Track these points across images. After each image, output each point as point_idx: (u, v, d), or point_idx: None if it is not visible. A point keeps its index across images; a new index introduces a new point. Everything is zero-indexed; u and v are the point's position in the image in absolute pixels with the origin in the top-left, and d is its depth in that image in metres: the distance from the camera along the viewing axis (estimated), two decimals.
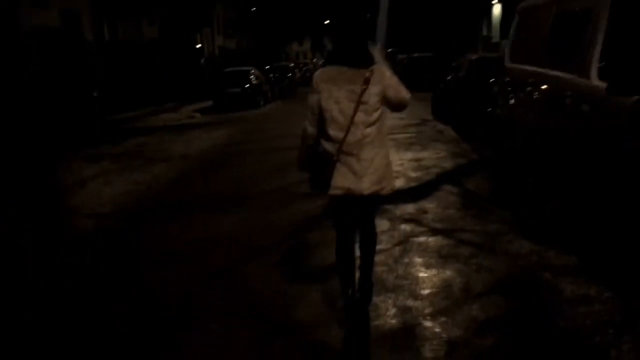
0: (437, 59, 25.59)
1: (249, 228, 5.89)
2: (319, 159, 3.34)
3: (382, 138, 3.38)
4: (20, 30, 18.01)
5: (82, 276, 4.86)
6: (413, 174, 7.80)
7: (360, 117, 3.22)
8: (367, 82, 3.20)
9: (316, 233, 5.40)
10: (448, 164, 8.42)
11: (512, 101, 6.45)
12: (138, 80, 23.92)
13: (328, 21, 69.50)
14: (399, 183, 7.28)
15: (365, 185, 3.30)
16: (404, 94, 3.38)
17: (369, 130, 3.26)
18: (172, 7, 31.46)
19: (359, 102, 3.20)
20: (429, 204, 6.18)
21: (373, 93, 3.23)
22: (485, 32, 31.85)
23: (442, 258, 4.59)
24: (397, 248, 4.86)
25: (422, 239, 5.08)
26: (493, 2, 29.00)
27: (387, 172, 3.42)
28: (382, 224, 5.45)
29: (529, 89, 5.78)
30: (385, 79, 3.28)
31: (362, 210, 3.49)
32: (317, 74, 3.40)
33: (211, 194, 7.61)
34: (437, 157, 9.01)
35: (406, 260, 4.60)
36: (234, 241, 5.51)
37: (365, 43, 3.33)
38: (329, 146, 3.30)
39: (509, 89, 6.61)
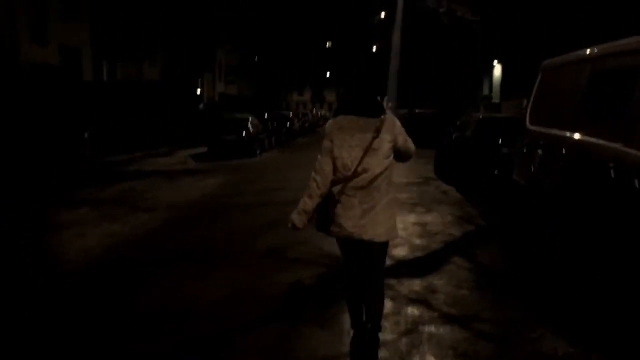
0: (439, 116, 25.19)
1: (233, 297, 5.10)
2: (324, 200, 3.44)
3: (389, 187, 3.45)
4: (16, 66, 17.58)
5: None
6: (418, 241, 7.05)
7: (370, 163, 3.34)
8: (378, 130, 3.35)
9: (311, 315, 4.61)
10: (455, 231, 7.68)
11: (534, 167, 5.77)
12: (134, 122, 23.41)
13: (329, 74, 70.39)
14: (403, 252, 6.54)
15: (365, 229, 3.36)
16: (411, 144, 3.56)
17: (377, 176, 3.35)
18: (175, 49, 31.36)
19: (368, 148, 3.33)
20: (438, 281, 5.41)
21: (384, 140, 3.36)
22: (486, 92, 31.84)
23: (460, 358, 3.79)
24: (404, 340, 4.05)
25: (433, 328, 4.28)
26: (494, 63, 28.99)
27: (390, 220, 3.46)
28: (385, 304, 4.68)
29: (556, 154, 5.11)
30: (395, 128, 3.43)
31: (365, 257, 3.50)
32: (330, 123, 3.53)
33: (194, 251, 6.81)
34: (442, 221, 8.28)
35: (416, 358, 3.79)
36: (213, 313, 4.70)
37: (376, 94, 3.49)
38: (335, 189, 3.41)
39: (530, 153, 5.94)
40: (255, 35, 45.68)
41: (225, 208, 9.67)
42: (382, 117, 3.38)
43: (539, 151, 5.63)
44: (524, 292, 5.04)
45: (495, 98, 28.84)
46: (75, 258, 6.55)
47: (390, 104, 40.56)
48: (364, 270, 3.54)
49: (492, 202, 9.67)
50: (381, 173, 3.35)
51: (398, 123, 3.48)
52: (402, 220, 8.12)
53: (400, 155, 3.52)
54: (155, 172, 15.28)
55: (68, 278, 5.83)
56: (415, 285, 5.28)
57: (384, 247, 3.51)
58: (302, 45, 55.05)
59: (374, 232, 3.36)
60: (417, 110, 26.08)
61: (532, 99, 6.20)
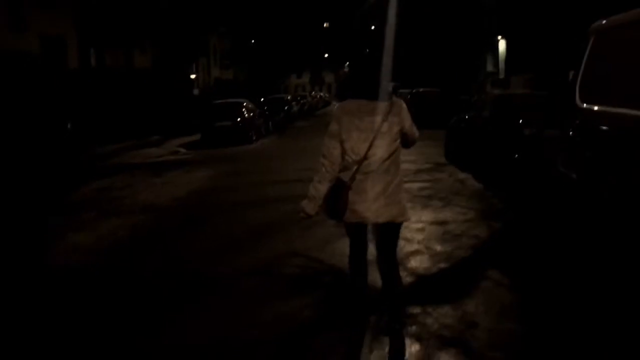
0: (444, 95, 23.85)
1: (212, 337, 3.90)
2: (333, 187, 3.40)
3: (397, 169, 3.45)
4: None
5: None
6: (439, 247, 5.84)
7: (379, 147, 3.32)
8: (387, 113, 3.34)
9: None
10: (481, 231, 6.45)
11: (590, 157, 4.52)
12: (125, 111, 22.22)
13: (327, 55, 68.75)
14: (424, 263, 5.35)
15: (379, 213, 3.35)
16: (415, 130, 3.55)
17: (386, 159, 3.35)
18: (166, 34, 29.92)
19: (378, 132, 3.32)
20: (474, 308, 4.19)
21: (394, 123, 3.37)
22: (489, 68, 30.55)
23: None
24: None
25: None
26: (498, 37, 27.64)
27: (401, 201, 3.45)
28: (411, 350, 3.49)
29: (627, 141, 3.87)
30: (403, 112, 3.43)
31: (379, 239, 3.52)
32: (338, 107, 3.49)
33: (166, 272, 5.59)
34: (464, 218, 7.05)
35: None
36: None
37: (379, 78, 3.43)
38: (343, 175, 3.38)
39: (584, 138, 4.68)
40: (249, 17, 44.19)
41: (210, 210, 8.42)
42: (392, 100, 3.39)
43: (599, 136, 4.38)
44: (597, 328, 3.83)
45: (500, 74, 27.60)
46: (14, 281, 5.36)
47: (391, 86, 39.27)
48: (379, 250, 3.54)
49: (517, 193, 8.45)
50: (390, 156, 3.35)
51: (405, 106, 3.48)
52: (417, 218, 6.92)
53: (405, 140, 3.50)
54: (141, 165, 14.07)
55: None
56: (446, 315, 4.06)
57: (398, 227, 3.51)
58: (299, 26, 53.59)
59: (389, 214, 3.37)
60: (421, 90, 24.69)
61: (582, 70, 4.92)
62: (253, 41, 47.88)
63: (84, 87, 20.77)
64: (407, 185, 9.43)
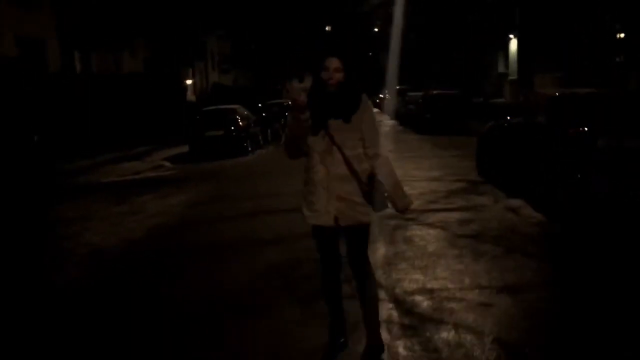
0: (461, 97, 21.47)
1: None
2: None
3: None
4: None
5: None
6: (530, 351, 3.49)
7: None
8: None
9: None
10: (573, 309, 4.11)
11: None
12: (111, 120, 20.03)
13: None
14: None
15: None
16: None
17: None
18: (159, 37, 27.69)
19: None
20: None
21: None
22: (501, 69, 28.45)
23: None
24: None
25: None
26: (510, 36, 25.50)
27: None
28: None
29: None
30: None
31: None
32: None
33: None
34: (542, 278, 4.71)
35: None
36: None
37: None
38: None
39: None
40: (249, 20, 42.04)
41: (174, 264, 6.02)
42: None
43: None
44: None
45: (512, 74, 25.52)
46: None
47: (387, 94, 37.03)
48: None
49: (597, 228, 6.12)
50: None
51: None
52: (471, 281, 4.58)
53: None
54: (111, 186, 11.76)
55: None
56: None
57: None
58: (300, 29, 51.44)
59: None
60: (434, 92, 22.32)
61: None
62: (253, 45, 45.66)
63: (64, 94, 18.53)
64: (441, 217, 7.12)
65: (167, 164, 15.70)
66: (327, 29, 63.65)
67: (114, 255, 6.36)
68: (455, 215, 7.07)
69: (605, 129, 6.92)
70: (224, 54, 42.85)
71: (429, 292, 4.47)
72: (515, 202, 7.50)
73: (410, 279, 4.78)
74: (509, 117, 9.85)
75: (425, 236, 6.17)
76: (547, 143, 7.47)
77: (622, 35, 15.66)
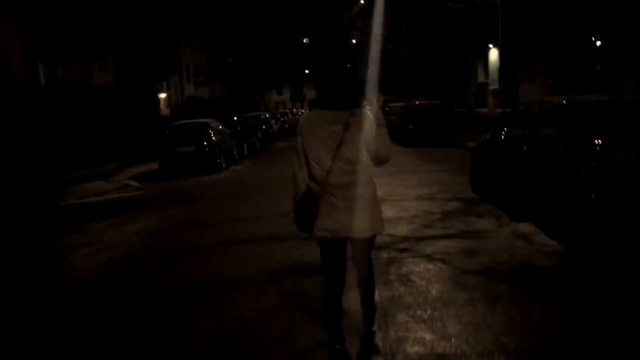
0: (444, 108, 20.65)
1: None
2: (304, 198, 3.29)
3: (368, 181, 3.30)
4: None
5: None
6: None
7: (343, 157, 3.20)
8: (347, 123, 3.20)
9: None
10: None
11: None
12: (78, 135, 18.80)
13: (308, 71, 65.69)
14: None
15: (351, 227, 3.22)
16: (384, 150, 3.30)
17: (352, 170, 3.22)
18: (130, 50, 26.52)
19: (340, 143, 3.19)
20: None
21: (354, 133, 3.20)
22: (481, 79, 27.88)
23: None
24: None
25: None
26: (490, 45, 24.91)
27: (373, 213, 3.29)
28: None
29: None
30: (364, 127, 3.23)
31: (354, 253, 3.39)
32: (302, 117, 3.50)
33: None
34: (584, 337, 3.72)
35: None
36: None
37: (349, 87, 3.30)
38: (313, 186, 3.28)
39: None
40: (226, 31, 41.01)
41: (122, 317, 4.94)
42: (353, 110, 3.21)
43: None
44: None
45: (493, 84, 24.96)
46: None
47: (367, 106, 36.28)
48: (355, 263, 3.42)
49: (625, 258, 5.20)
50: (357, 168, 3.21)
51: (368, 122, 3.24)
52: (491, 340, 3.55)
53: (371, 157, 3.29)
54: (66, 210, 10.58)
55: None
56: None
57: (370, 242, 3.36)
58: (278, 41, 50.62)
59: (359, 227, 3.22)
60: (417, 102, 21.48)
61: None
62: (230, 57, 44.62)
63: (28, 107, 17.30)
64: (440, 246, 6.12)
65: (134, 183, 14.52)
66: (304, 40, 63.03)
67: (35, 304, 5.22)
68: (457, 244, 6.08)
69: (624, 140, 6.08)
70: (199, 66, 41.72)
71: None
72: (524, 227, 6.51)
73: (415, 339, 3.75)
74: (505, 129, 8.92)
75: (425, 273, 5.15)
76: (557, 157, 6.53)
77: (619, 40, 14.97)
